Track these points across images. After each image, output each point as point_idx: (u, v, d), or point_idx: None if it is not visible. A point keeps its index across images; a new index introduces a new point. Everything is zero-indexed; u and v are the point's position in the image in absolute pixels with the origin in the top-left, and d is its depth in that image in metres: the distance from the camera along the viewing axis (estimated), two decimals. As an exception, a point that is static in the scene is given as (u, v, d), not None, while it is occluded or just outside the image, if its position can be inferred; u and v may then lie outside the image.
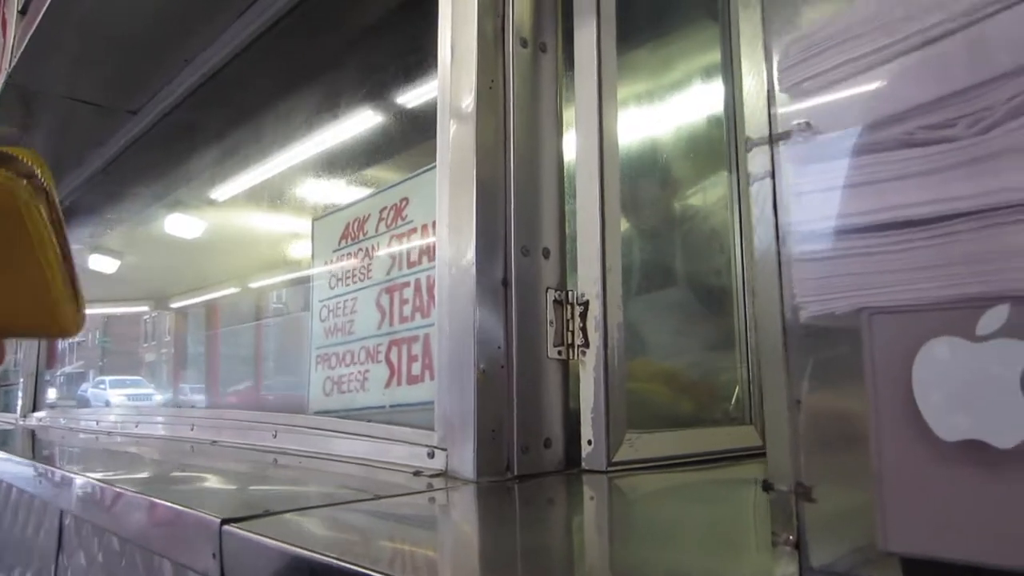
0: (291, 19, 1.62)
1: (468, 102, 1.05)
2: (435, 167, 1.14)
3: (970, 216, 0.42)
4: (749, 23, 0.51)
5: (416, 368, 1.18)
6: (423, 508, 0.85)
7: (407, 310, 1.22)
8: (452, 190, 1.05)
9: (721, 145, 1.37)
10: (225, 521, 0.71)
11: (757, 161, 0.50)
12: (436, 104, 1.12)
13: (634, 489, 0.96)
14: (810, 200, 0.48)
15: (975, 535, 0.40)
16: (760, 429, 1.30)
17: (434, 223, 1.19)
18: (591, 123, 1.08)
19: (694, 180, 1.37)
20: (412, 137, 1.36)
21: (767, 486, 0.48)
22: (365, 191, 1.41)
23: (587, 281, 1.06)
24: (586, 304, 1.06)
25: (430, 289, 1.18)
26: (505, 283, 1.03)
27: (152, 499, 0.83)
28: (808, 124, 0.48)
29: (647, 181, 1.27)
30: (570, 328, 1.06)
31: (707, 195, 1.35)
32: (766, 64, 0.50)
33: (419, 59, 1.31)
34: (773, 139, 0.49)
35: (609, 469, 1.02)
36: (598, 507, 0.87)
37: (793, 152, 0.49)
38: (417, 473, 1.03)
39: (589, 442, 1.04)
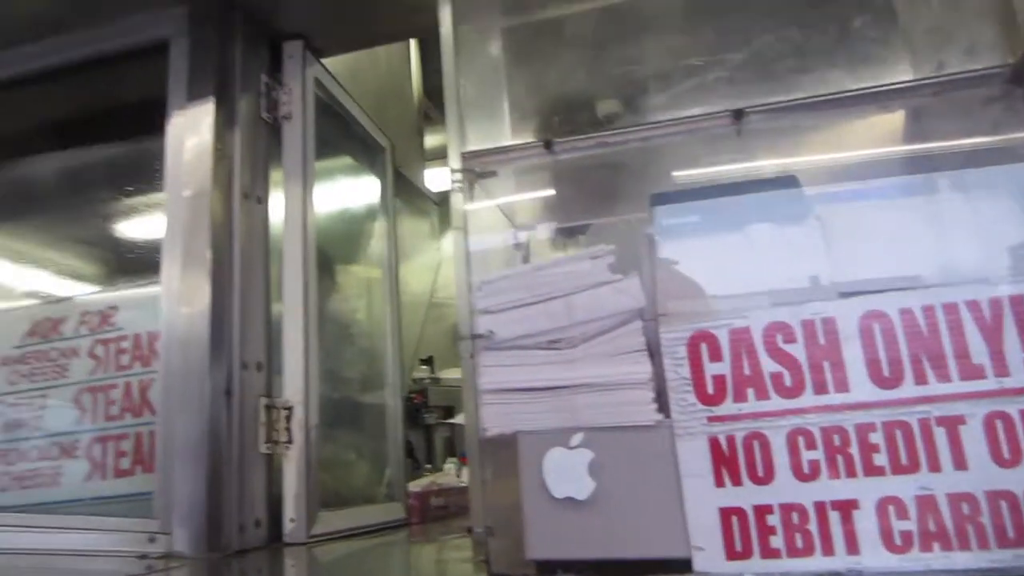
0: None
1: (202, 237, 1.27)
2: (145, 284, 1.34)
3: (564, 388, 0.87)
4: (461, 268, 0.92)
5: (125, 463, 1.30)
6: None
7: (115, 409, 1.33)
8: (184, 311, 1.25)
9: (384, 296, 1.78)
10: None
11: (464, 348, 0.90)
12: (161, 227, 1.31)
13: (332, 553, 1.26)
14: (490, 371, 0.90)
15: (567, 543, 0.84)
16: (404, 504, 1.68)
17: (148, 334, 1.35)
18: (297, 264, 1.39)
19: (365, 323, 1.75)
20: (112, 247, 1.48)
21: (470, 529, 0.87)
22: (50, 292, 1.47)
23: (292, 391, 1.34)
24: (291, 409, 1.34)
25: (143, 392, 1.32)
26: (228, 392, 1.26)
27: None
28: (492, 331, 0.89)
29: (331, 323, 1.61)
30: (276, 428, 1.33)
31: (372, 337, 1.74)
32: (470, 295, 0.91)
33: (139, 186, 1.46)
34: (473, 337, 0.90)
35: (308, 541, 1.30)
36: (300, 569, 1.14)
37: (483, 344, 0.90)
38: (143, 557, 1.17)
39: (292, 520, 1.30)
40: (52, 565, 1.18)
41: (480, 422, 0.89)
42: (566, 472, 0.85)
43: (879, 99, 0.83)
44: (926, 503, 0.76)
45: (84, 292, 1.45)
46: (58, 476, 1.34)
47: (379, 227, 1.81)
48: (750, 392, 0.82)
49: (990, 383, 0.76)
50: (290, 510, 1.31)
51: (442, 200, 2.95)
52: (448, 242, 3.07)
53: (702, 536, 0.81)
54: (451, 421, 2.13)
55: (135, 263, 1.43)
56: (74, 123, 1.57)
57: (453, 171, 0.94)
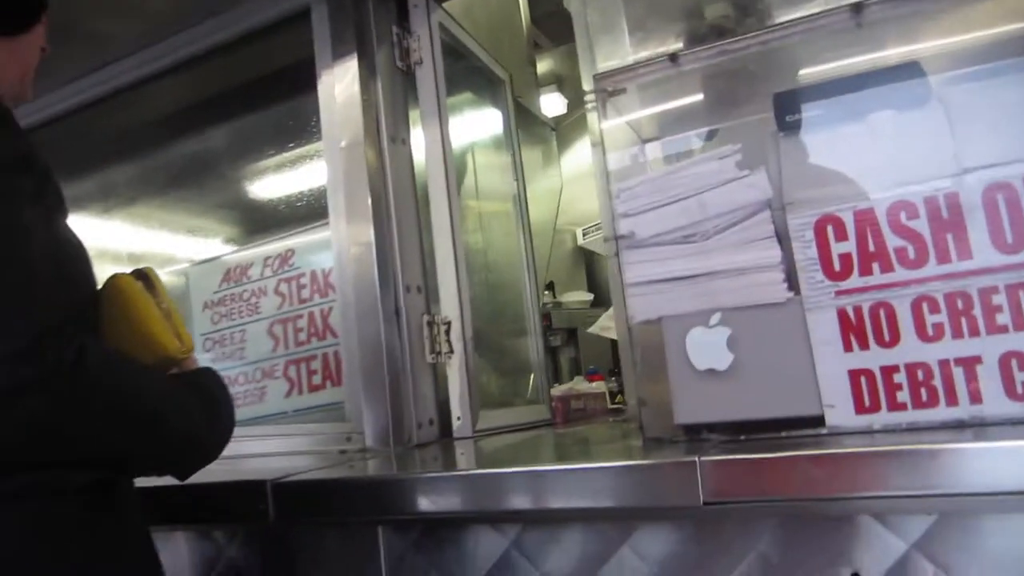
0: (171, 78, 1.80)
1: (361, 181, 1.44)
2: (315, 227, 1.54)
3: (700, 276, 0.99)
4: (601, 180, 1.04)
5: (316, 379, 1.54)
6: (377, 463, 1.25)
7: (302, 336, 1.56)
8: (353, 249, 1.44)
9: (516, 228, 1.93)
10: (272, 481, 1.06)
11: (609, 248, 1.03)
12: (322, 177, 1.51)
13: (496, 442, 1.45)
14: (633, 267, 1.03)
15: (710, 408, 0.97)
16: (548, 406, 1.86)
17: (322, 270, 1.56)
18: (442, 195, 1.55)
19: (501, 256, 1.90)
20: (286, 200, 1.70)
21: (624, 403, 1.01)
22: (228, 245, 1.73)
23: (449, 307, 1.52)
24: (449, 324, 1.52)
25: (324, 319, 1.54)
26: (397, 312, 1.45)
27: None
28: (632, 232, 1.02)
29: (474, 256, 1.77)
30: (438, 340, 1.52)
31: (511, 264, 1.90)
32: (611, 202, 1.03)
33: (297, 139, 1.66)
34: (617, 238, 1.03)
35: (473, 435, 1.49)
36: (470, 455, 1.32)
37: (625, 244, 1.03)
38: (343, 452, 1.40)
39: (458, 418, 1.50)
40: (272, 465, 1.43)
41: (628, 311, 1.02)
42: (707, 347, 0.97)
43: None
44: (1048, 355, 0.84)
45: (264, 240, 1.68)
46: (263, 395, 1.60)
47: (504, 158, 1.95)
48: (875, 266, 0.91)
49: (1111, 240, 0.81)
50: (456, 409, 1.50)
51: (558, 124, 3.05)
52: (567, 165, 3.21)
53: (833, 395, 0.91)
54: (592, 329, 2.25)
55: (303, 210, 1.64)
56: (237, 93, 1.77)
57: (587, 92, 1.05)
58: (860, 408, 0.90)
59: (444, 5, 1.67)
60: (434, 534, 1.06)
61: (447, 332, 1.52)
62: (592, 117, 1.06)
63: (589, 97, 1.05)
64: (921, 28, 0.95)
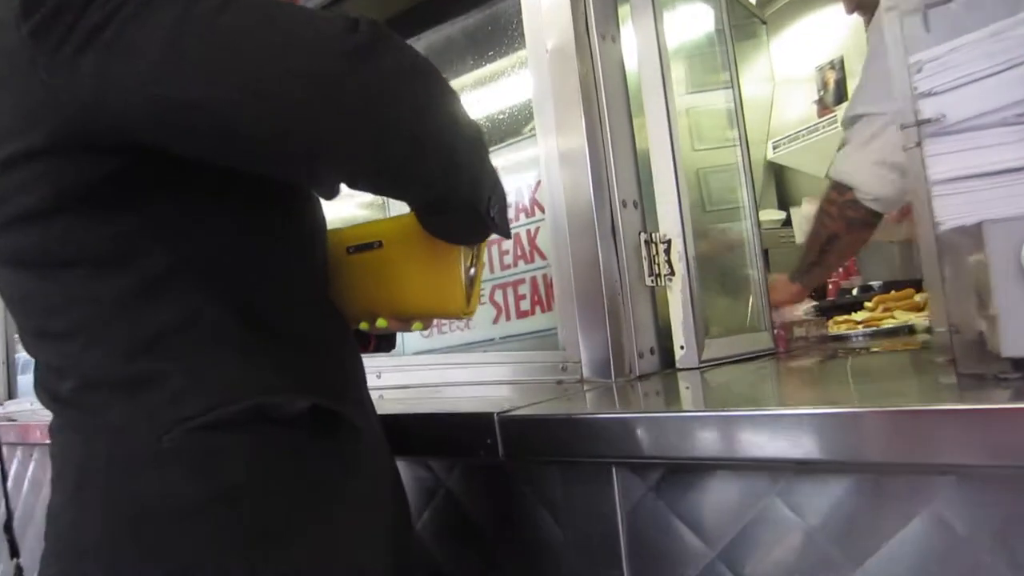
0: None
1: (571, 85, 1.30)
2: (516, 142, 1.41)
3: (1044, 165, 0.75)
4: (895, 47, 0.82)
5: (525, 304, 1.45)
6: (605, 398, 1.13)
7: (508, 259, 1.47)
8: (563, 160, 1.31)
9: (732, 131, 1.70)
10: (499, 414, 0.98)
11: (909, 137, 0.81)
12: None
13: (729, 375, 1.28)
14: (942, 159, 0.81)
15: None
16: (771, 335, 1.66)
17: (527, 187, 1.45)
18: (659, 98, 1.37)
19: (715, 168, 1.68)
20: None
21: (930, 330, 0.81)
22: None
23: (669, 224, 1.36)
24: (669, 242, 1.36)
25: (531, 240, 1.44)
26: (614, 231, 1.31)
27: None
28: (943, 115, 0.79)
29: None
30: (656, 262, 1.36)
31: (726, 177, 1.68)
32: (909, 76, 0.81)
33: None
34: (918, 123, 0.81)
35: (700, 366, 1.34)
36: (696, 388, 1.17)
37: (931, 131, 0.81)
38: (560, 382, 1.31)
39: (681, 347, 1.36)
40: (484, 395, 1.38)
41: (936, 216, 0.81)
42: (1055, 260, 0.74)
43: None
44: None
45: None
46: (468, 321, 1.53)
47: (717, 56, 1.72)
48: None
49: None
50: (679, 338, 1.36)
51: (770, 17, 2.68)
52: (781, 67, 2.88)
53: None
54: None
55: (505, 125, 1.53)
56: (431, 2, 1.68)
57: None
58: None
59: None
60: (678, 479, 0.93)
61: (667, 252, 1.36)
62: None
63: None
64: None
